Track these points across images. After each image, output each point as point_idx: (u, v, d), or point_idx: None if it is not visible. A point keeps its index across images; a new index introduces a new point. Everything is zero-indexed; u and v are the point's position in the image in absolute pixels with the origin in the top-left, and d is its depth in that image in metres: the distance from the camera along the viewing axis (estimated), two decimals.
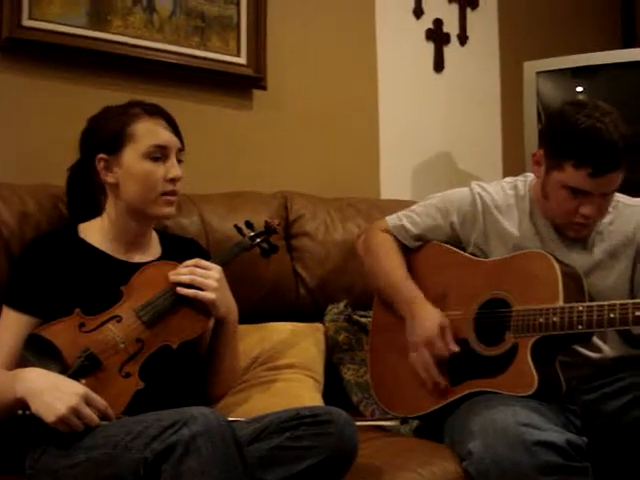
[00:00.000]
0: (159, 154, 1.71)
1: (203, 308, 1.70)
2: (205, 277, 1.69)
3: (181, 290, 1.68)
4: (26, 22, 2.13)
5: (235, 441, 1.34)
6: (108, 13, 2.29)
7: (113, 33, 2.29)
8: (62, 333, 1.60)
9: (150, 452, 1.32)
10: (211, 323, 1.76)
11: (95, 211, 1.80)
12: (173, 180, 1.72)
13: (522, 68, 2.99)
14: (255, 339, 1.98)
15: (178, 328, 1.68)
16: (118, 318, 1.65)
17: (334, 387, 2.18)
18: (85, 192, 1.80)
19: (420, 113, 3.13)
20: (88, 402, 1.45)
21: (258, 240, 1.91)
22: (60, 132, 2.12)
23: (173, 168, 1.72)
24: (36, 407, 1.43)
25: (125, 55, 2.31)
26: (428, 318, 1.93)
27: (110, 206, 1.76)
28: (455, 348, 1.89)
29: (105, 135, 1.72)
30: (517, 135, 3.05)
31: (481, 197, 2.04)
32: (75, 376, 1.54)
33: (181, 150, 1.77)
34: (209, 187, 2.29)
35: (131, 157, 1.70)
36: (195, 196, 2.17)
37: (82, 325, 1.62)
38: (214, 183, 2.36)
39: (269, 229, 1.95)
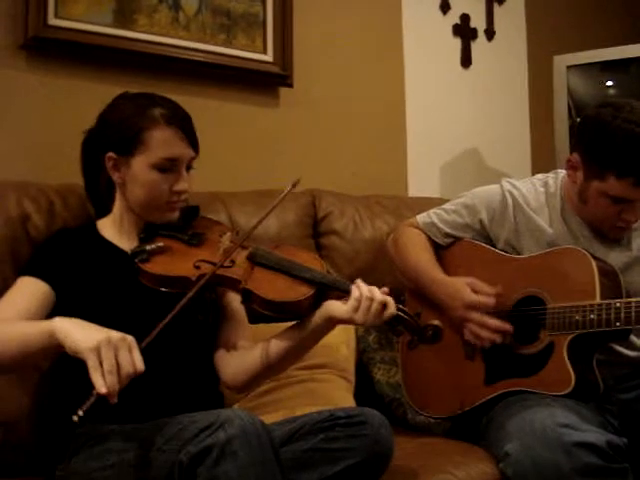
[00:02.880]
0: (168, 166, 1.64)
1: (302, 292, 1.59)
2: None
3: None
4: (52, 21, 2.12)
5: (271, 444, 1.31)
6: (134, 11, 2.28)
7: (139, 31, 2.28)
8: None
9: (185, 455, 1.29)
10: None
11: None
12: (179, 192, 1.68)
13: (550, 63, 2.95)
14: None
15: (263, 281, 1.59)
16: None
17: (365, 387, 2.15)
18: (101, 188, 1.77)
19: (448, 109, 3.10)
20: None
21: (396, 324, 1.63)
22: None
23: (181, 181, 1.66)
24: (71, 338, 1.34)
25: (151, 53, 2.30)
26: (456, 285, 1.93)
27: (118, 201, 1.74)
28: (492, 291, 1.88)
29: (118, 135, 1.66)
30: (547, 131, 3.01)
31: (511, 194, 2.01)
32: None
33: (194, 158, 1.71)
34: (236, 185, 2.27)
35: (140, 164, 1.64)
36: (223, 194, 2.15)
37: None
38: (241, 181, 2.34)
39: (415, 320, 1.63)
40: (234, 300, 1.74)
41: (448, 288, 1.94)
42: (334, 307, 1.56)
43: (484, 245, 2.02)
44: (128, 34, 2.26)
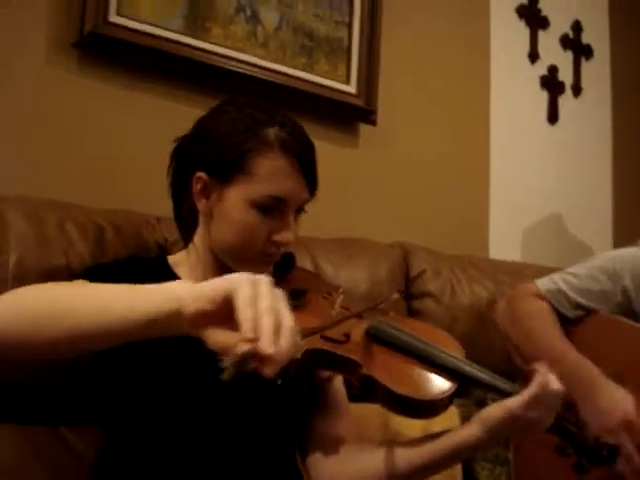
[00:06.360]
0: (273, 206, 1.24)
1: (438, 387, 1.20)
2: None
3: None
4: (113, 18, 1.80)
5: None
6: (207, 19, 1.96)
7: (211, 43, 1.95)
8: None
9: None
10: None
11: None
12: (279, 244, 1.27)
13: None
14: (376, 424, 1.54)
15: (390, 367, 1.19)
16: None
17: None
18: (183, 213, 1.36)
19: (533, 167, 2.77)
20: None
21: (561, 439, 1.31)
22: (142, 151, 1.77)
23: (285, 231, 1.26)
24: (203, 284, 0.90)
25: (222, 68, 1.96)
26: (619, 397, 1.55)
27: (198, 236, 1.33)
28: None
29: (216, 154, 1.26)
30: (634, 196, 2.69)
31: None
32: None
33: (307, 201, 1.31)
34: (314, 229, 1.87)
35: (236, 198, 1.24)
36: (306, 238, 1.76)
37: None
38: (318, 225, 1.91)
39: (583, 435, 1.28)
40: (335, 379, 1.34)
41: (610, 394, 1.56)
42: (494, 410, 1.19)
43: (623, 320, 1.66)
44: (199, 44, 1.93)
